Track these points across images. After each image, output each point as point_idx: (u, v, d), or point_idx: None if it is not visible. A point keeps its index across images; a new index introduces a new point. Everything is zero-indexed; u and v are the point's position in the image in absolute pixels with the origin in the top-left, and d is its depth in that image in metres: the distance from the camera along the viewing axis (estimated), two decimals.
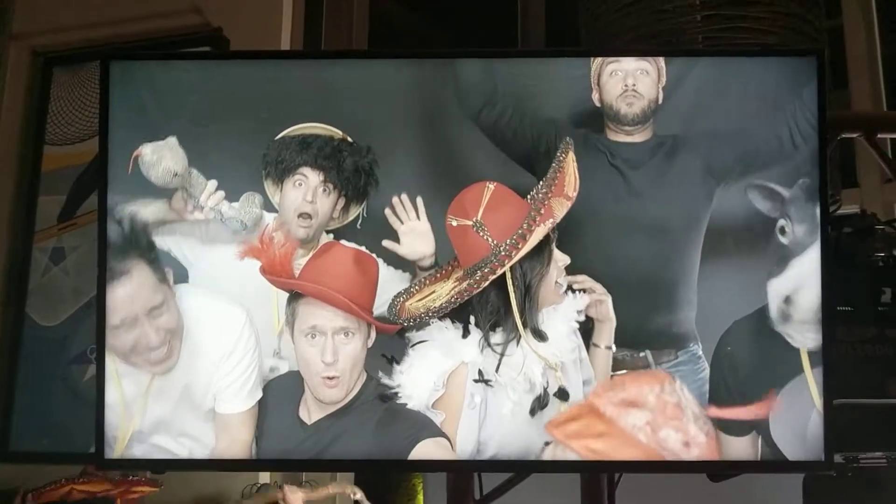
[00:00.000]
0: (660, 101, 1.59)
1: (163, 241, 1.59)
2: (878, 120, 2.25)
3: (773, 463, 1.53)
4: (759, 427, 1.53)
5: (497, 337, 1.49)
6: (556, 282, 1.50)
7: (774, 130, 1.56)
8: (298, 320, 1.51)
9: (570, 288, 1.52)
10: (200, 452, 1.57)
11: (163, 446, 1.58)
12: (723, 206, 1.57)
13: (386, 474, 2.56)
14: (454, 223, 1.46)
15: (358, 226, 1.60)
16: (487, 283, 1.44)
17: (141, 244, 1.55)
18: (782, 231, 1.54)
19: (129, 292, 1.52)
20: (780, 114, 1.56)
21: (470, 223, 1.45)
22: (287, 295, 1.53)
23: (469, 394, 1.47)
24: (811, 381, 1.52)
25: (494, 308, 1.48)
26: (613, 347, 1.53)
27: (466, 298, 1.45)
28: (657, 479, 1.69)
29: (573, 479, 1.77)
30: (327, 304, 1.47)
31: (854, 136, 2.06)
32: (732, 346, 1.55)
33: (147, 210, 1.58)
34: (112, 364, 1.56)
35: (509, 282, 1.46)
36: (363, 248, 1.56)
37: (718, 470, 1.55)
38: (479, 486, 1.73)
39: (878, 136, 2.06)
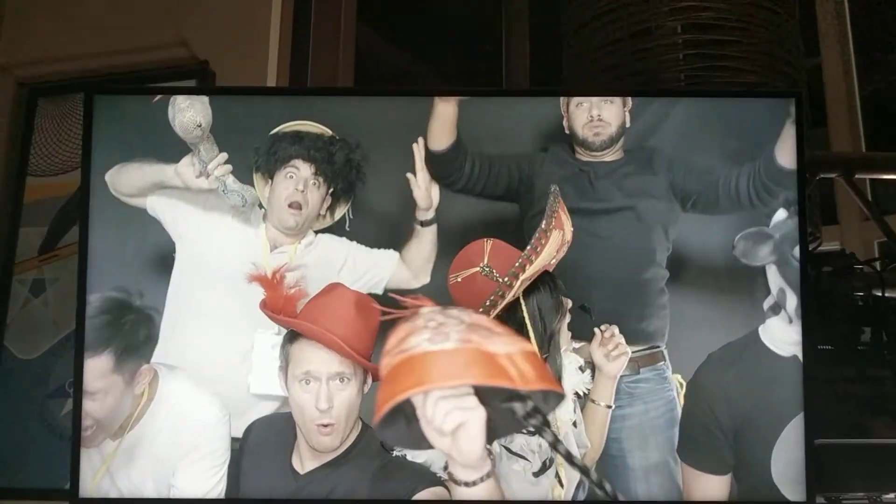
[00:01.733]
0: (627, 125, 1.63)
1: (156, 205, 1.61)
2: (857, 161, 2.28)
3: None
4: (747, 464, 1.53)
5: None
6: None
7: (736, 181, 1.59)
8: (292, 365, 1.47)
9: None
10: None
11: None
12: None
13: None
14: (458, 279, 1.48)
15: (347, 227, 1.62)
16: (497, 309, 1.42)
17: (118, 329, 1.57)
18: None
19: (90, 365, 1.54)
20: (745, 167, 1.59)
21: (478, 269, 1.46)
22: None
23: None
24: None
25: None
26: (613, 406, 1.53)
27: None
28: None
29: None
30: (322, 345, 1.44)
31: (832, 175, 2.09)
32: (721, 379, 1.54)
33: (151, 173, 1.59)
34: None
35: (528, 324, 1.45)
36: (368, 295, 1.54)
37: None
38: None
39: (857, 176, 2.09)
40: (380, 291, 1.59)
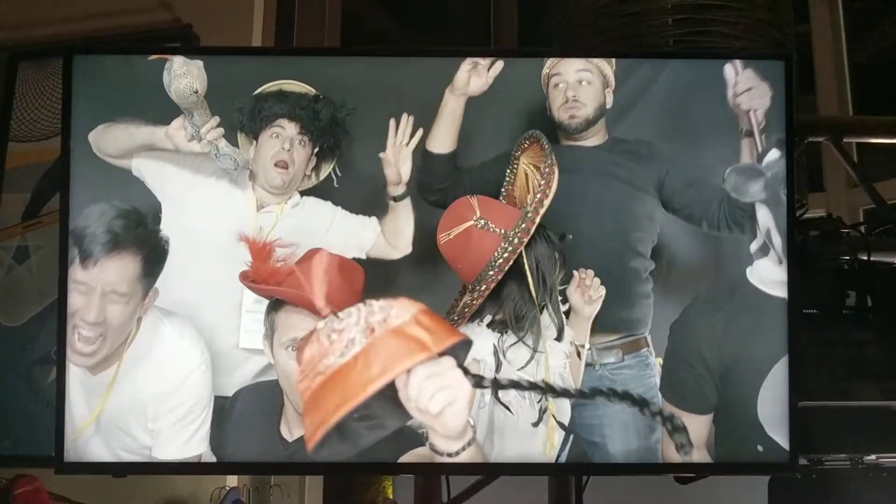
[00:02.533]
0: (608, 106, 1.59)
1: (143, 167, 1.59)
2: (846, 124, 2.28)
3: (738, 465, 1.54)
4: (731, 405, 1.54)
5: (512, 338, 1.46)
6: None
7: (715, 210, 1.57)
8: (278, 332, 1.46)
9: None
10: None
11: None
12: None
13: (354, 478, 2.55)
14: (450, 236, 1.44)
15: (335, 185, 1.61)
16: (509, 265, 1.41)
17: (142, 237, 1.54)
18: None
19: (105, 264, 1.51)
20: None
21: (471, 223, 1.42)
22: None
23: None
24: None
25: (517, 306, 1.45)
26: (588, 347, 1.53)
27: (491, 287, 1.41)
28: (624, 480, 1.70)
29: (541, 480, 1.77)
30: (307, 310, 1.41)
31: (821, 140, 2.08)
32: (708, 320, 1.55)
33: (140, 134, 1.57)
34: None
35: (529, 278, 1.44)
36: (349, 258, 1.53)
37: (684, 473, 1.54)
38: (447, 488, 1.72)
39: (845, 140, 2.09)
40: (363, 256, 1.58)
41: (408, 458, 1.42)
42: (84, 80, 1.58)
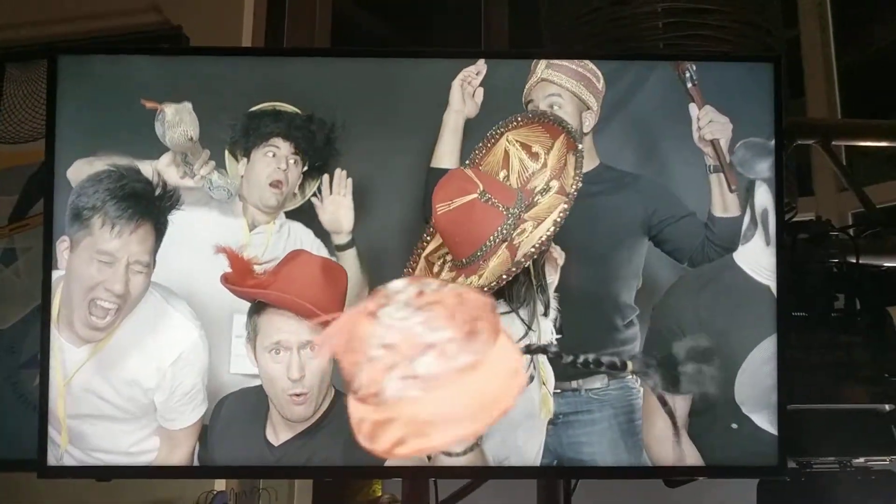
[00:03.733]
0: (585, 129, 1.59)
1: None
2: (834, 127, 2.29)
3: (728, 469, 1.53)
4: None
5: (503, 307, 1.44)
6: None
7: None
8: (261, 336, 1.46)
9: None
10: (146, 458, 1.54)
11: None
12: None
13: (345, 482, 2.54)
14: (451, 206, 1.39)
15: (320, 202, 1.59)
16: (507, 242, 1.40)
17: (163, 209, 1.53)
18: None
19: (129, 235, 1.49)
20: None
21: (475, 196, 1.38)
22: None
23: None
24: None
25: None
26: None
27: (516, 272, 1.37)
28: (613, 484, 1.69)
29: (530, 484, 1.76)
30: (291, 311, 1.42)
31: (810, 142, 2.09)
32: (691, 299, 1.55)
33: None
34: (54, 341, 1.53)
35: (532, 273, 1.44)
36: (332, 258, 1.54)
37: (673, 476, 1.54)
38: (434, 492, 1.71)
39: (834, 143, 2.09)
40: None
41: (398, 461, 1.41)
42: (70, 80, 1.57)
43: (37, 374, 2.11)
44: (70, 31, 2.41)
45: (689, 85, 1.59)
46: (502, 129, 1.51)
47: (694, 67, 1.59)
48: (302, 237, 1.59)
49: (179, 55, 1.64)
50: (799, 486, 1.62)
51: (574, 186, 1.41)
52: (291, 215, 1.60)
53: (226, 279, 1.47)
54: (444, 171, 1.54)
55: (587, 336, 1.55)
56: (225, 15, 2.45)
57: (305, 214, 1.59)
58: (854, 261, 1.75)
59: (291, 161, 1.56)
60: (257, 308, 1.47)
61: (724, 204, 1.55)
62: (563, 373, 1.52)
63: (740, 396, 1.52)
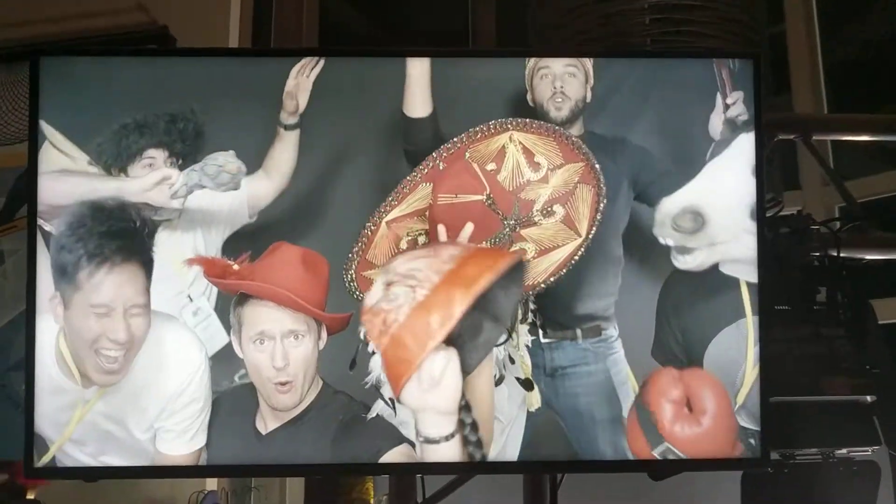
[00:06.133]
0: (588, 101, 1.60)
1: None
2: (815, 122, 2.30)
3: (712, 462, 1.54)
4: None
5: None
6: None
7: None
8: (245, 327, 1.48)
9: None
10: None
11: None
12: None
13: (336, 480, 2.54)
14: (452, 200, 1.42)
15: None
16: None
17: (145, 242, 1.51)
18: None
19: (119, 280, 1.48)
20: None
21: (482, 198, 1.41)
22: None
23: None
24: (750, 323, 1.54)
25: None
26: None
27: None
28: (599, 477, 1.70)
29: (516, 479, 1.77)
30: (274, 302, 1.45)
31: (790, 137, 2.10)
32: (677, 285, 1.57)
33: (104, 190, 1.54)
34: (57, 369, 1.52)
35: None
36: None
37: (658, 469, 1.55)
38: (422, 487, 1.72)
39: (815, 137, 2.10)
40: (248, 218, 1.56)
41: (389, 456, 1.45)
42: (52, 82, 1.56)
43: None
44: (56, 32, 2.41)
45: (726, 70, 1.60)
46: (510, 126, 1.52)
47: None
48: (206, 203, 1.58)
49: (164, 56, 1.64)
50: (782, 478, 1.64)
51: (592, 231, 1.43)
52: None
53: (207, 274, 1.50)
54: (414, 119, 1.55)
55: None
56: (211, 14, 2.44)
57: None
58: (835, 254, 1.77)
59: (169, 164, 1.56)
60: (241, 300, 1.49)
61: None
62: (561, 323, 1.54)
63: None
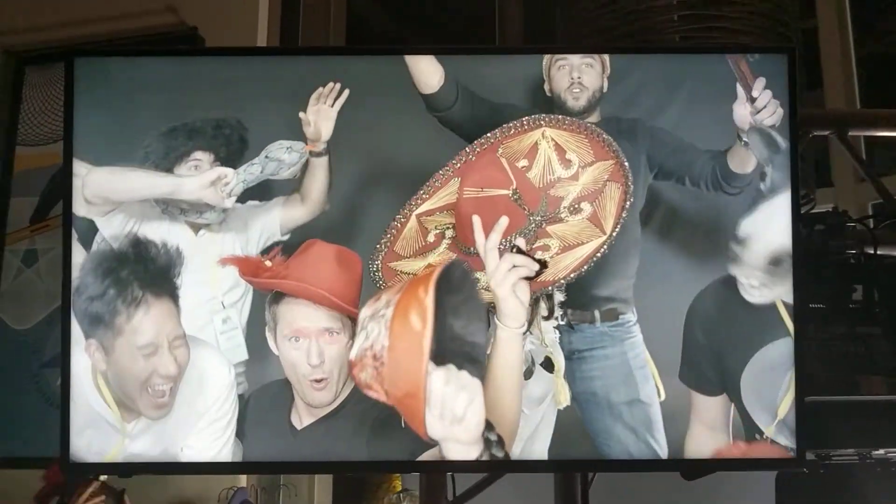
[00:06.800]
0: (605, 90, 1.60)
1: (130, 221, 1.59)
2: (850, 117, 2.27)
3: (746, 461, 1.53)
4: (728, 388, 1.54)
5: None
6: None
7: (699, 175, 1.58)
8: (280, 325, 1.49)
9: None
10: None
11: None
12: None
13: (365, 477, 2.55)
14: (478, 194, 1.42)
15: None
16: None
17: (174, 275, 1.53)
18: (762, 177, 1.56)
19: (157, 318, 1.50)
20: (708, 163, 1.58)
21: (507, 192, 1.41)
22: None
23: None
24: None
25: None
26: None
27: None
28: (631, 477, 1.69)
29: (547, 478, 1.77)
30: (308, 300, 1.46)
31: (825, 133, 2.07)
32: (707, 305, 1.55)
33: (163, 185, 1.57)
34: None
35: None
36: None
37: (691, 468, 1.54)
38: (452, 486, 1.72)
39: (850, 133, 2.07)
40: (280, 236, 1.58)
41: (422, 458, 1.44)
42: (87, 83, 1.58)
43: (59, 373, 2.19)
44: (88, 34, 2.44)
45: (744, 62, 1.58)
46: (542, 122, 1.51)
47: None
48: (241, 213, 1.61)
49: (195, 56, 1.65)
50: (818, 479, 1.61)
51: (616, 229, 1.42)
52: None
53: (242, 273, 1.52)
54: (428, 95, 1.57)
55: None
56: (240, 15, 2.46)
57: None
58: (871, 251, 1.74)
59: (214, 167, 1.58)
60: (275, 298, 1.50)
61: (741, 163, 1.56)
62: (580, 303, 1.54)
63: (748, 401, 1.53)
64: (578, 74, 1.59)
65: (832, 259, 1.72)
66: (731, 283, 1.53)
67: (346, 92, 1.58)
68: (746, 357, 1.53)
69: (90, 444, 1.54)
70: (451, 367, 1.22)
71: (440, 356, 1.21)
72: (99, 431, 1.54)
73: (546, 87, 1.62)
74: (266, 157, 1.57)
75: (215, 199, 1.56)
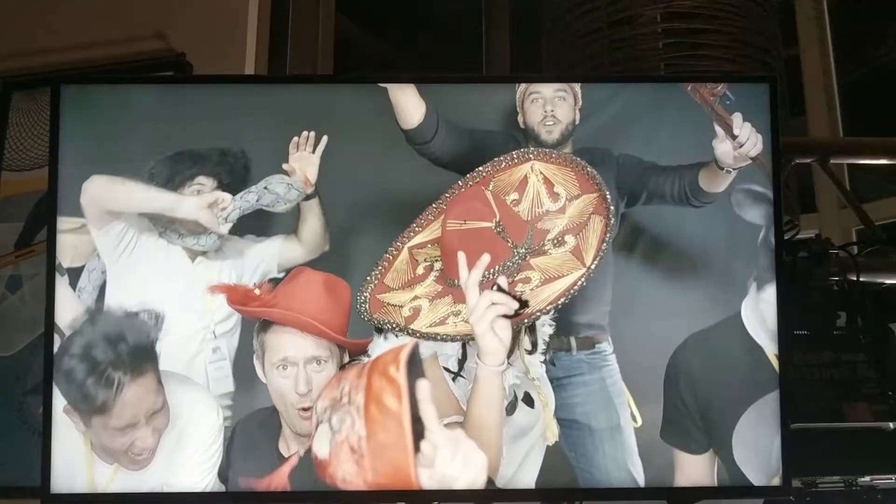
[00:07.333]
0: (577, 122, 1.62)
1: (127, 237, 1.59)
2: (832, 145, 2.29)
3: (732, 489, 1.53)
4: (718, 445, 1.54)
5: None
6: None
7: (663, 187, 1.60)
8: (268, 353, 1.49)
9: None
10: None
11: None
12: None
13: None
14: (460, 226, 1.42)
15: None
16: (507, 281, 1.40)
17: (153, 344, 1.52)
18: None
19: (135, 398, 1.48)
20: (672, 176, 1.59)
21: (490, 224, 1.41)
22: None
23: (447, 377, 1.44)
24: None
25: None
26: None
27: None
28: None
29: None
30: (296, 328, 1.46)
31: (808, 160, 2.09)
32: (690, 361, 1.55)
33: (161, 199, 1.57)
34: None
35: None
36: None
37: (678, 497, 1.53)
38: None
39: (832, 161, 2.10)
40: (276, 273, 1.59)
41: None
42: (73, 109, 1.59)
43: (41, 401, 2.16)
44: (76, 59, 2.43)
45: (718, 104, 1.59)
46: (532, 155, 1.53)
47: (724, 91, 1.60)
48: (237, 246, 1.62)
49: (181, 83, 1.65)
50: None
51: (596, 262, 1.42)
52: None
53: (230, 301, 1.52)
54: (408, 130, 1.58)
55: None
56: (228, 41, 2.46)
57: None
58: (855, 278, 1.75)
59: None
60: (263, 326, 1.50)
61: (712, 183, 1.57)
62: (557, 330, 1.54)
63: (739, 457, 1.53)
64: (552, 108, 1.61)
65: (816, 286, 1.73)
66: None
67: (325, 138, 1.59)
68: (738, 411, 1.53)
69: (72, 473, 1.53)
70: (433, 431, 1.23)
71: (418, 430, 1.22)
72: (81, 462, 1.53)
73: (520, 119, 1.63)
74: (265, 187, 1.57)
75: (211, 221, 1.56)
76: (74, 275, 1.61)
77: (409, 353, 1.23)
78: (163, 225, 1.58)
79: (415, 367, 1.25)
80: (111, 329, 1.50)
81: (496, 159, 1.53)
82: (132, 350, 1.48)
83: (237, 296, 1.51)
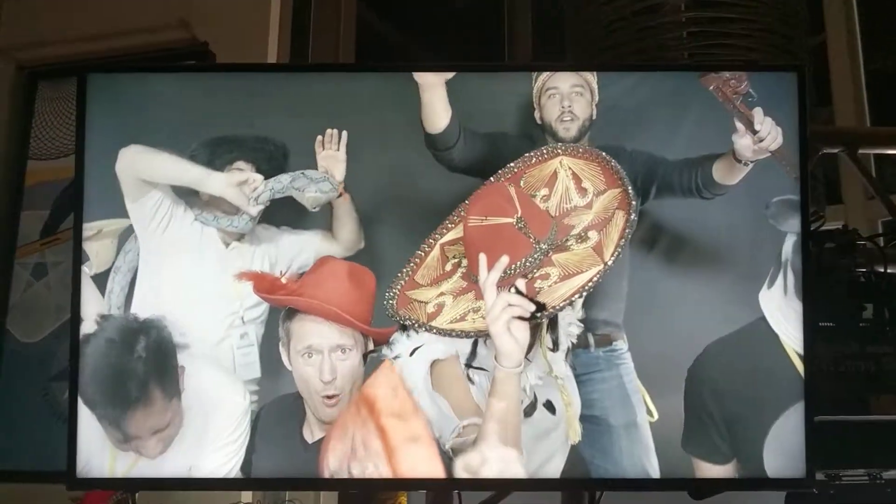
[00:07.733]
0: (594, 118, 1.61)
1: (161, 207, 1.61)
2: (861, 135, 2.26)
3: (755, 481, 1.52)
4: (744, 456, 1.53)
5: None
6: None
7: (671, 178, 1.59)
8: (294, 340, 1.51)
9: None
10: None
11: None
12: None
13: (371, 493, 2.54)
14: (483, 222, 1.40)
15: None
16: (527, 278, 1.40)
17: (166, 366, 1.54)
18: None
19: (146, 415, 1.52)
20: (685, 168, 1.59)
21: (511, 220, 1.40)
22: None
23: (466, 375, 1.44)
24: None
25: None
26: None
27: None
28: (637, 496, 1.68)
29: (554, 496, 1.76)
30: (321, 317, 1.48)
31: (836, 151, 2.07)
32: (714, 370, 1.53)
33: (191, 172, 1.59)
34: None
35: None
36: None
37: (700, 488, 1.53)
38: (458, 502, 1.71)
39: (860, 151, 2.07)
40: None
41: None
42: (98, 98, 1.60)
43: (67, 387, 2.19)
44: (100, 49, 2.45)
45: (741, 102, 1.58)
46: (560, 150, 1.53)
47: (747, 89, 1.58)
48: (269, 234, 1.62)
49: (205, 72, 1.66)
50: (828, 499, 1.60)
51: (613, 257, 1.41)
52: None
53: (257, 289, 1.54)
54: (432, 135, 1.58)
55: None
56: (251, 30, 2.47)
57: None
58: (882, 270, 1.73)
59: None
60: (289, 314, 1.52)
61: (726, 176, 1.56)
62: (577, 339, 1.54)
63: (770, 467, 1.52)
64: (569, 103, 1.60)
65: (842, 277, 1.71)
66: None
67: (345, 134, 1.59)
68: (769, 420, 1.51)
69: (95, 460, 1.55)
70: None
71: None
72: (105, 447, 1.55)
73: (536, 115, 1.62)
74: (302, 173, 1.58)
75: (239, 199, 1.57)
76: (100, 280, 1.63)
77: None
78: (199, 207, 1.60)
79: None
80: (132, 341, 1.53)
81: (525, 155, 1.52)
82: (143, 379, 1.51)
83: (264, 284, 1.52)
